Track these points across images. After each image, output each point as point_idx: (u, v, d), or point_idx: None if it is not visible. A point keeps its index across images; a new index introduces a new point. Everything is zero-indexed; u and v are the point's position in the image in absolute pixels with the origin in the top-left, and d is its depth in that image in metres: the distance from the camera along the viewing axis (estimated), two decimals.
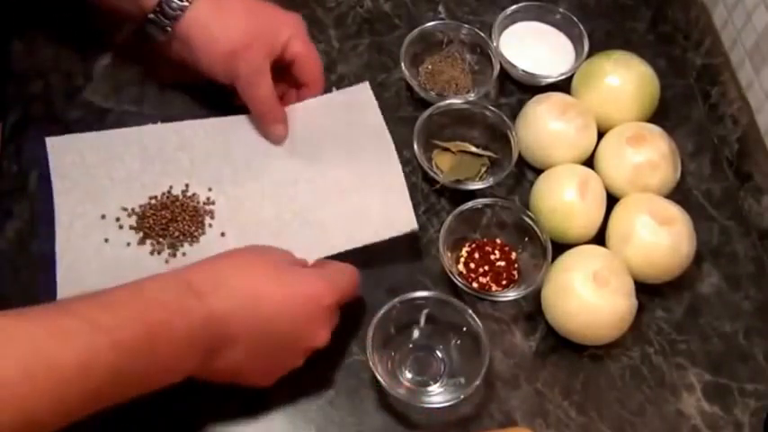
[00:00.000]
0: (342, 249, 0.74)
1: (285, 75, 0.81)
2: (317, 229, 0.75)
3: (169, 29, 0.75)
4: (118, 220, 0.75)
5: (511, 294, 0.76)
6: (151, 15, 0.75)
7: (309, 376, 0.72)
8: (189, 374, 0.61)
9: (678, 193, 0.82)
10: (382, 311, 0.71)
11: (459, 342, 0.73)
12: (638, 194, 0.79)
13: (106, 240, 0.74)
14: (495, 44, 0.88)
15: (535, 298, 0.76)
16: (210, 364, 0.62)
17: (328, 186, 0.78)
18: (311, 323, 0.66)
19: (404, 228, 0.75)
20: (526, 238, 0.78)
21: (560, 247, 0.77)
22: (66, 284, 0.72)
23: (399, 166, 0.79)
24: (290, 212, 0.76)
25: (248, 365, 0.64)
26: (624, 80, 0.84)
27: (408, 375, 0.72)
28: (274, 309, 0.63)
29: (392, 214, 0.76)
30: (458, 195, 0.81)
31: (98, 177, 0.77)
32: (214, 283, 0.61)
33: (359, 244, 0.74)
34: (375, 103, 0.82)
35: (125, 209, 0.75)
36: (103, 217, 0.75)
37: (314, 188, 0.78)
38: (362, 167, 0.79)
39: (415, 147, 0.81)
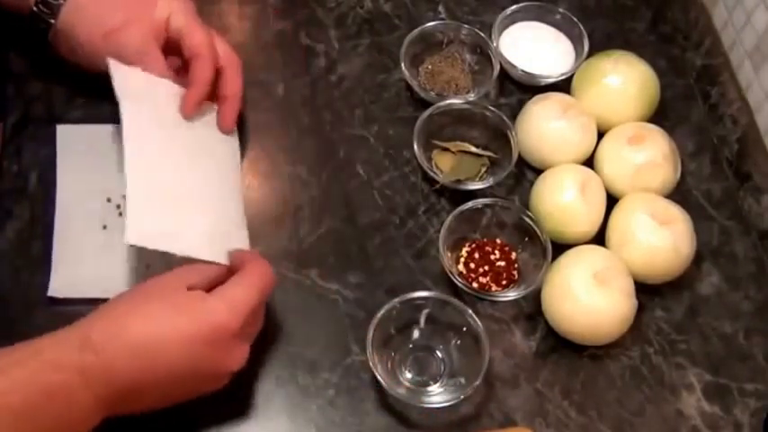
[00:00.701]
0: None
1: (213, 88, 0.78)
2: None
3: (52, 21, 0.74)
4: (118, 207, 0.76)
5: (511, 294, 0.76)
6: (34, 8, 0.73)
7: (309, 376, 0.72)
8: (101, 421, 0.60)
9: (678, 193, 0.82)
10: (382, 311, 0.71)
11: (459, 342, 0.73)
12: (638, 194, 0.79)
13: (105, 227, 0.75)
14: (495, 44, 0.88)
15: (535, 298, 0.76)
16: (122, 410, 0.61)
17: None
18: (220, 353, 0.63)
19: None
20: (526, 238, 0.78)
21: (560, 247, 0.77)
22: (60, 266, 0.73)
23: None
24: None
25: (163, 403, 0.64)
26: (624, 80, 0.84)
27: (408, 375, 0.72)
28: (177, 352, 0.61)
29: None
30: (458, 195, 0.81)
31: (103, 166, 0.77)
32: (112, 334, 0.60)
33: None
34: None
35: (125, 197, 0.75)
36: (109, 200, 0.76)
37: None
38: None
39: (415, 147, 0.81)
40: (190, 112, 0.76)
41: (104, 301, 0.64)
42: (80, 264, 0.74)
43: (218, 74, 0.78)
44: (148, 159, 0.72)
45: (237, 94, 0.79)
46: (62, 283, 0.72)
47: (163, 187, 0.72)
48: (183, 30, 0.76)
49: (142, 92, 0.75)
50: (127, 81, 0.74)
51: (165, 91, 0.76)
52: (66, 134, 0.80)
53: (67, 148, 0.79)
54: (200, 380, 0.64)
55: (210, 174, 0.77)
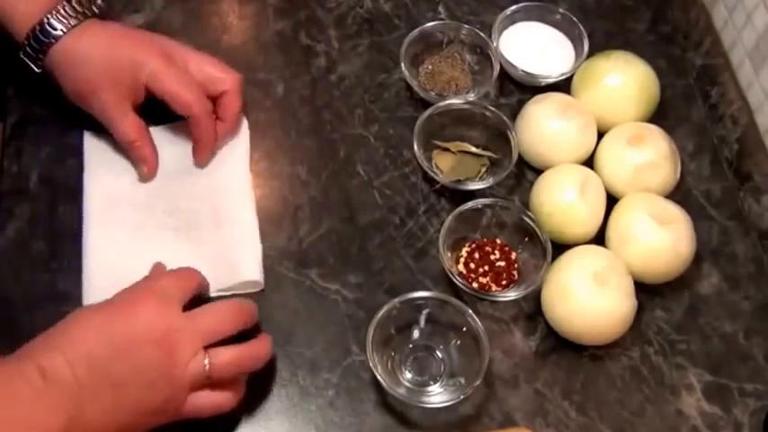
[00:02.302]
0: None
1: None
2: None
3: (40, 66, 0.74)
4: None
5: (511, 294, 0.76)
6: (21, 54, 0.74)
7: (309, 376, 0.72)
8: None
9: (678, 193, 0.82)
10: (382, 311, 0.71)
11: (459, 342, 0.73)
12: (638, 194, 0.79)
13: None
14: (495, 44, 0.88)
15: (535, 298, 0.76)
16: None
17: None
18: (171, 352, 0.61)
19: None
20: (526, 238, 0.78)
21: (560, 247, 0.77)
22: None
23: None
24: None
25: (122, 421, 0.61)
26: (624, 80, 0.84)
27: (408, 375, 0.72)
28: (128, 353, 0.60)
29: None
30: (458, 195, 0.81)
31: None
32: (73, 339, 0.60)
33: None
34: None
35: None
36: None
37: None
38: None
39: (415, 147, 0.81)
40: (204, 164, 0.80)
41: None
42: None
43: (217, 98, 0.79)
44: (108, 230, 0.75)
45: (234, 117, 0.80)
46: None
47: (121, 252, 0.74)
48: (165, 95, 0.75)
49: (107, 172, 0.78)
50: (96, 158, 0.79)
51: (131, 178, 0.79)
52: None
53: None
54: (160, 390, 0.61)
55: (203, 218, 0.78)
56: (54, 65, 0.74)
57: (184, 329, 0.62)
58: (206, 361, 0.62)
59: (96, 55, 0.74)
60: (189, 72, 0.76)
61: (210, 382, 0.63)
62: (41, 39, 0.73)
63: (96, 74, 0.74)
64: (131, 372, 0.60)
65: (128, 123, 0.76)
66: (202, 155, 0.79)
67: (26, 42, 0.73)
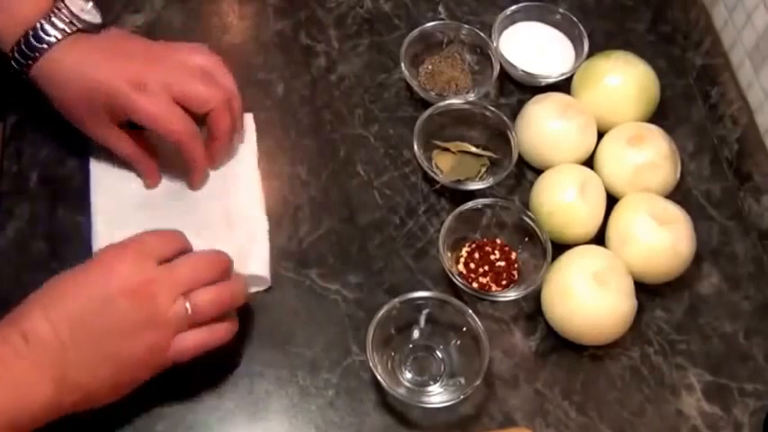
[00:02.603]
0: None
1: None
2: None
3: (26, 68, 0.72)
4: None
5: (511, 294, 0.76)
6: (14, 52, 0.72)
7: (309, 376, 0.72)
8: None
9: (678, 193, 0.82)
10: (382, 311, 0.71)
11: (459, 342, 0.73)
12: (638, 194, 0.79)
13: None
14: (495, 44, 0.88)
15: (535, 298, 0.76)
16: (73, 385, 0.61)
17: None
18: (147, 300, 0.62)
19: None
20: (526, 238, 0.78)
21: (560, 247, 0.77)
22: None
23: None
24: None
25: (110, 375, 0.63)
26: (624, 80, 0.84)
27: (408, 375, 0.72)
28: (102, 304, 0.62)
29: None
30: (458, 195, 0.81)
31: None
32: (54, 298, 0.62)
33: None
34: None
35: None
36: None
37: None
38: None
39: (415, 147, 0.81)
40: (197, 187, 0.79)
41: None
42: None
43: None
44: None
45: (225, 134, 0.77)
46: None
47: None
48: (143, 123, 0.73)
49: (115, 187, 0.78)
50: (102, 158, 0.79)
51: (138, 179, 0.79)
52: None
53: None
54: (134, 336, 0.62)
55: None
56: (38, 78, 0.73)
57: (161, 279, 0.63)
58: (187, 305, 0.64)
59: (74, 78, 0.72)
60: (167, 96, 0.73)
61: (194, 323, 0.65)
62: (32, 46, 0.71)
63: (73, 99, 0.73)
64: (112, 324, 0.61)
65: (114, 141, 0.75)
66: (195, 178, 0.78)
67: (15, 48, 0.71)
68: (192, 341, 0.65)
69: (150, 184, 0.78)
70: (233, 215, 0.78)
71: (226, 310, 0.67)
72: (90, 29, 0.73)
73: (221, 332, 0.67)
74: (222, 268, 0.67)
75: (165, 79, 0.73)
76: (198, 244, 0.74)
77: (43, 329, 0.60)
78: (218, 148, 0.78)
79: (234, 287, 0.68)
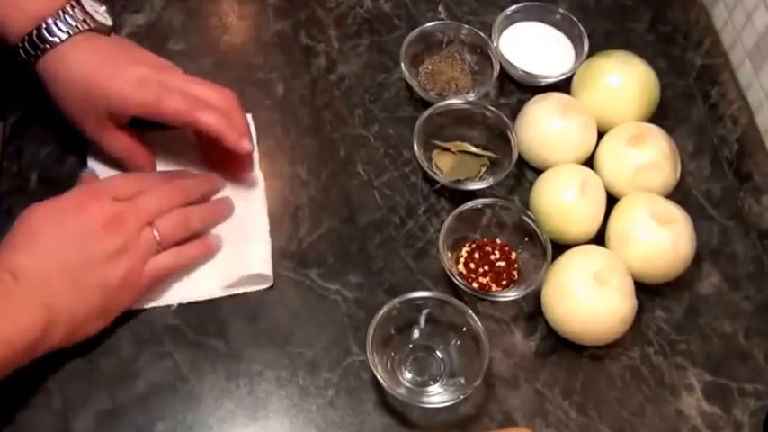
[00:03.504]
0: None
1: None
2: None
3: (33, 61, 0.72)
4: None
5: (511, 294, 0.76)
6: (24, 43, 0.72)
7: (309, 376, 0.72)
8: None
9: (678, 193, 0.82)
10: (382, 311, 0.71)
11: (459, 342, 0.73)
12: (638, 194, 0.79)
13: None
14: (495, 44, 0.88)
15: (535, 298, 0.76)
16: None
17: None
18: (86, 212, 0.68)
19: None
20: (526, 238, 0.78)
21: (560, 247, 0.77)
22: None
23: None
24: None
25: (80, 294, 0.67)
26: (624, 80, 0.84)
27: (408, 375, 0.72)
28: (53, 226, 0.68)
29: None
30: (458, 195, 0.81)
31: None
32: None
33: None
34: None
35: None
36: None
37: None
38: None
39: (415, 147, 0.81)
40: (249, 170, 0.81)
41: None
42: None
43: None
44: None
45: (244, 146, 0.76)
46: None
47: None
48: (155, 116, 0.73)
49: None
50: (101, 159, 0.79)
51: None
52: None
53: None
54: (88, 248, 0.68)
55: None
56: (43, 72, 0.73)
57: (128, 211, 0.70)
58: (154, 232, 0.71)
59: (78, 76, 0.72)
60: (162, 86, 0.73)
61: (164, 247, 0.72)
62: (43, 38, 0.71)
63: (74, 97, 0.73)
64: (89, 255, 0.68)
65: (109, 140, 0.75)
66: (245, 159, 0.79)
67: (25, 39, 0.71)
68: (163, 263, 0.72)
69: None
70: (234, 215, 0.78)
71: (193, 231, 0.74)
72: (101, 30, 0.74)
73: (191, 251, 0.74)
74: (184, 195, 0.74)
75: (169, 83, 0.73)
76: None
77: (29, 265, 0.65)
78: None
79: (202, 210, 0.76)
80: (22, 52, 0.72)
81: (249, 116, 0.83)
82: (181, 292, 0.74)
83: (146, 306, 0.73)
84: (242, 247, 0.75)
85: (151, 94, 0.72)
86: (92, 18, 0.73)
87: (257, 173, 0.81)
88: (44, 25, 0.71)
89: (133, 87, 0.72)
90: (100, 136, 0.75)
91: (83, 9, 0.73)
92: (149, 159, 0.78)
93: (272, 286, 0.75)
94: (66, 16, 0.72)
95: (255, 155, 0.81)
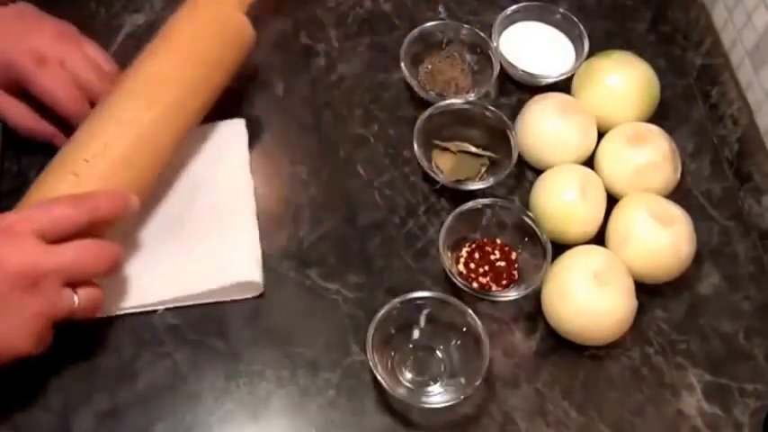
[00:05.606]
0: (175, 298, 0.73)
1: None
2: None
3: None
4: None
5: (511, 294, 0.76)
6: None
7: (309, 376, 0.72)
8: None
9: (678, 193, 0.82)
10: (382, 311, 0.71)
11: (459, 342, 0.73)
12: (638, 194, 0.79)
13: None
14: (495, 44, 0.88)
15: (535, 298, 0.76)
16: None
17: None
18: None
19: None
20: (526, 238, 0.78)
21: (560, 247, 0.77)
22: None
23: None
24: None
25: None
26: (624, 80, 0.84)
27: (408, 375, 0.72)
28: None
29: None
30: (458, 195, 0.81)
31: None
32: None
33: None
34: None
35: None
36: None
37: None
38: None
39: (415, 147, 0.81)
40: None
41: None
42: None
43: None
44: None
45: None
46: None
47: None
48: (42, 99, 0.74)
49: None
50: None
51: None
52: None
53: None
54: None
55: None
56: None
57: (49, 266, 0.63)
58: (75, 298, 0.64)
59: None
60: (64, 73, 0.74)
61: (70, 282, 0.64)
62: None
63: None
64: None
65: (5, 108, 0.75)
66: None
67: None
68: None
69: (57, 142, 0.76)
70: (222, 221, 0.77)
71: (97, 274, 0.66)
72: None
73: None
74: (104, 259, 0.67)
75: (65, 58, 0.74)
76: (186, 251, 0.74)
77: None
78: None
79: (98, 245, 0.66)
80: None
81: (242, 122, 0.82)
82: (166, 299, 0.73)
83: (132, 311, 0.72)
84: (229, 256, 0.75)
85: (44, 72, 0.73)
86: None
87: (248, 180, 0.80)
88: None
89: (31, 60, 0.73)
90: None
91: None
92: (51, 127, 0.77)
93: (272, 287, 0.75)
94: None
95: (246, 161, 0.81)
